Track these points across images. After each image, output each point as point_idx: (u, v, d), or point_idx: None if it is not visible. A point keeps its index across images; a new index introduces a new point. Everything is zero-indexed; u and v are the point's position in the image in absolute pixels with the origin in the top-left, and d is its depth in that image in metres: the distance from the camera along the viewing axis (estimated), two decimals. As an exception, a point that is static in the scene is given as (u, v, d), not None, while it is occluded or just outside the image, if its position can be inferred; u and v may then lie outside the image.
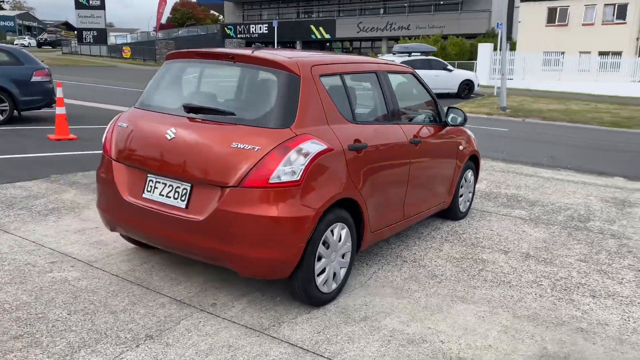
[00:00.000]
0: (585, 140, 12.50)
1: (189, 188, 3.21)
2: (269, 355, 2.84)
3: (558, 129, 14.77)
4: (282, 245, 2.98)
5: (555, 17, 36.15)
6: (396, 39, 42.67)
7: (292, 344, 2.95)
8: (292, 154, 2.97)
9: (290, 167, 2.95)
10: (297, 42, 51.52)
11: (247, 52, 3.45)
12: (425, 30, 43.48)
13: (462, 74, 22.78)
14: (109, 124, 3.78)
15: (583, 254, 4.74)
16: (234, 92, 3.82)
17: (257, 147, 3.01)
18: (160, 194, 3.30)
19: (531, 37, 35.45)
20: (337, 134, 3.29)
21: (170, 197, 3.26)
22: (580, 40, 34.10)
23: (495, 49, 29.17)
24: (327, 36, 49.76)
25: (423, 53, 21.35)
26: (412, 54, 20.97)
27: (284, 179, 2.93)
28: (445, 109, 4.94)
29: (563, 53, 30.72)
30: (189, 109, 3.35)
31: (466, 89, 22.47)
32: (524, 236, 5.12)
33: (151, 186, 3.34)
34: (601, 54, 30.97)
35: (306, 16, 53.87)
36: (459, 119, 4.90)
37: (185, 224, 3.14)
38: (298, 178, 2.96)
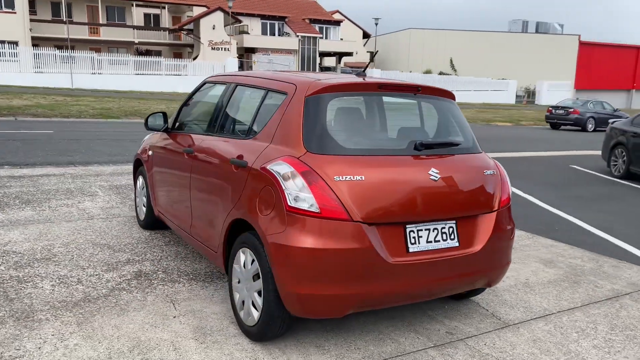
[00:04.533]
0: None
1: (454, 225, 3.14)
2: None
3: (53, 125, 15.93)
4: None
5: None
6: None
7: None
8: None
9: None
10: None
11: (411, 82, 3.38)
12: None
13: None
14: (302, 182, 2.80)
15: None
16: (426, 122, 3.54)
17: (493, 171, 3.40)
18: (427, 242, 3.02)
19: None
20: None
21: (439, 241, 3.06)
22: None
23: None
24: None
25: None
26: None
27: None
28: None
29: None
30: (422, 145, 3.14)
31: None
32: None
33: (414, 237, 2.99)
34: (-1, 43, 31.42)
35: None
36: None
37: (461, 261, 3.09)
38: None
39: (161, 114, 4.66)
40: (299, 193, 2.80)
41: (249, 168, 3.15)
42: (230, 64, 31.07)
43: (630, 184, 9.84)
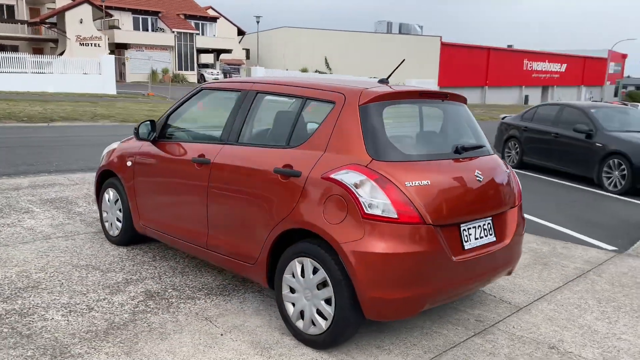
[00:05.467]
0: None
1: (491, 221, 3.40)
2: None
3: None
4: None
5: None
6: None
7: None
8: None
9: None
10: None
11: (434, 89, 3.73)
12: None
13: None
14: (377, 189, 2.90)
15: None
16: (448, 127, 3.67)
17: (508, 170, 3.76)
18: (475, 239, 3.25)
19: None
20: None
21: (483, 237, 3.31)
22: None
23: None
24: None
25: None
26: None
27: None
28: None
29: None
30: (462, 148, 3.36)
31: None
32: None
33: (467, 235, 3.20)
34: None
35: None
36: None
37: (498, 253, 3.38)
38: None
39: (149, 122, 4.38)
40: (373, 200, 2.88)
41: (305, 177, 3.14)
42: (106, 61, 28.99)
43: (526, 172, 11.08)
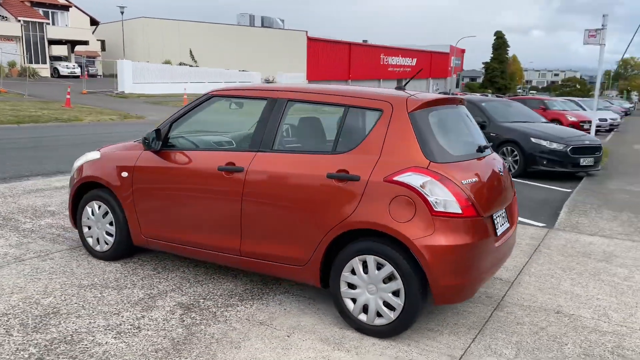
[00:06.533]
0: None
1: (505, 210, 3.90)
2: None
3: None
4: None
5: None
6: None
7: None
8: None
9: None
10: None
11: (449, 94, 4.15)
12: None
13: None
14: (443, 188, 3.24)
15: None
16: (465, 128, 4.06)
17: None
18: (501, 226, 3.72)
19: None
20: None
21: (504, 224, 3.81)
22: None
23: None
24: None
25: None
26: None
27: None
28: None
29: None
30: (483, 147, 3.90)
31: None
32: None
33: (497, 223, 3.65)
34: None
35: None
36: None
37: (510, 238, 3.90)
38: None
39: (154, 131, 4.23)
40: (439, 198, 3.22)
41: (366, 181, 3.38)
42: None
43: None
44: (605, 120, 24.72)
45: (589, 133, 14.54)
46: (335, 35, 71.90)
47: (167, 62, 50.72)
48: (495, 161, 4.00)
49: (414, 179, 3.27)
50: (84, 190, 4.77)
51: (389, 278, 3.36)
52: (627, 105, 47.51)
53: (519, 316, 3.88)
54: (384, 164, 3.39)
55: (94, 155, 4.73)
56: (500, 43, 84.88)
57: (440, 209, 3.23)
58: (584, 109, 22.37)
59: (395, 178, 3.31)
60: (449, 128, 3.85)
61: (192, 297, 3.95)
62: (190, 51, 57.23)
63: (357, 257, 3.44)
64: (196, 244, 4.10)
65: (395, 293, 3.35)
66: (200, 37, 56.47)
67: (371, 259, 3.39)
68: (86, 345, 3.19)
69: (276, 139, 3.83)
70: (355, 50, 60.13)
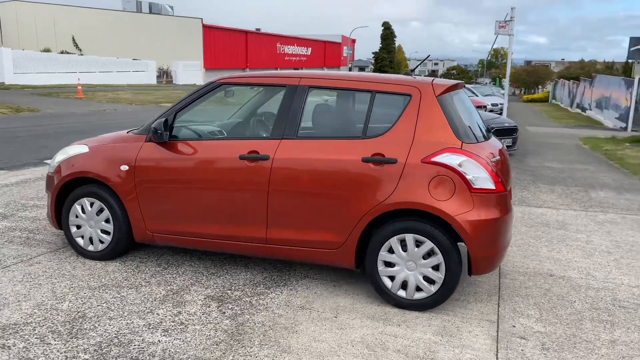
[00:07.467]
0: None
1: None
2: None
3: None
4: None
5: None
6: None
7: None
8: None
9: None
10: None
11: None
12: None
13: None
14: (479, 167, 3.48)
15: None
16: (471, 111, 4.26)
17: None
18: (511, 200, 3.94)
19: None
20: None
21: (511, 199, 3.99)
22: None
23: None
24: None
25: None
26: None
27: None
28: None
29: None
30: (490, 129, 4.18)
31: None
32: None
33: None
34: None
35: None
36: None
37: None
38: None
39: (163, 121, 4.02)
40: (476, 176, 3.47)
41: (403, 163, 3.53)
42: None
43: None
44: (497, 105, 26.94)
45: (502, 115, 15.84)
46: (229, 24, 70.36)
47: (47, 51, 46.72)
48: (498, 142, 4.33)
49: (451, 159, 3.48)
50: (70, 188, 4.42)
51: (429, 254, 3.56)
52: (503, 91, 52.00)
53: (523, 281, 4.27)
54: (419, 146, 3.56)
55: (80, 149, 4.40)
56: (387, 34, 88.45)
57: (478, 185, 3.47)
58: (477, 95, 24.22)
59: (434, 159, 3.50)
60: (464, 111, 4.10)
61: (217, 290, 3.86)
62: (74, 38, 53.22)
63: (395, 237, 3.59)
64: (212, 235, 4.01)
65: (435, 267, 3.55)
66: (82, 24, 52.67)
67: (410, 237, 3.56)
68: (141, 345, 3.03)
69: (302, 126, 3.85)
70: (252, 38, 59.53)
